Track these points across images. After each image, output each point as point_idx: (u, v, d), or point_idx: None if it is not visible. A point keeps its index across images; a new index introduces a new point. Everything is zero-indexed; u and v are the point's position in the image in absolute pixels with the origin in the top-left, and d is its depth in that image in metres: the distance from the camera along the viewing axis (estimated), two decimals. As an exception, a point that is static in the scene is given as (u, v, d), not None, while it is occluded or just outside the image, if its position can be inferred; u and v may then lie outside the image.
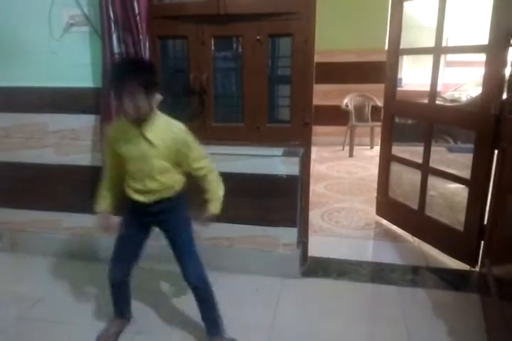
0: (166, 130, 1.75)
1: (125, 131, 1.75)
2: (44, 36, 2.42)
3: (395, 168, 3.23)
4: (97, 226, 1.96)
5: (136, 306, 2.22)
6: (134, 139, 1.74)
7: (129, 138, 1.75)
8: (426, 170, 2.85)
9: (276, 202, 2.45)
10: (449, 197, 3.34)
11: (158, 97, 1.74)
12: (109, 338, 2.04)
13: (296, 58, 2.32)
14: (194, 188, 1.85)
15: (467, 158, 2.60)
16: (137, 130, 1.73)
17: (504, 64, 2.29)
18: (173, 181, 1.85)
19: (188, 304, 2.16)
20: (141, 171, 1.78)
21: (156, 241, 2.00)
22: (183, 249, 1.93)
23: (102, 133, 2.31)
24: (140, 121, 1.71)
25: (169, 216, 1.90)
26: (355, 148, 5.62)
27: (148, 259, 2.37)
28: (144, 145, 1.74)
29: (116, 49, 2.24)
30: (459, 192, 2.99)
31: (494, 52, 2.31)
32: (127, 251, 1.97)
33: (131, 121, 1.72)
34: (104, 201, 1.91)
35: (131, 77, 1.65)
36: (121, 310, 2.11)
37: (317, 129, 3.78)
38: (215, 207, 1.86)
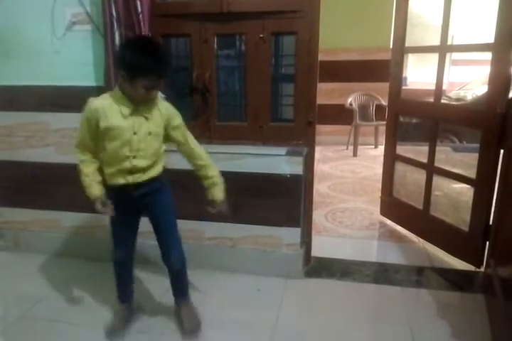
0: (156, 106, 1.82)
1: (119, 105, 1.76)
2: (46, 35, 2.42)
3: (400, 167, 3.20)
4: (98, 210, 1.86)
5: (139, 305, 2.23)
6: (128, 114, 1.76)
7: (122, 113, 1.76)
8: (431, 169, 2.82)
9: (280, 201, 2.43)
10: (454, 197, 3.31)
11: None
12: (120, 327, 2.07)
13: (299, 57, 2.30)
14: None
15: (473, 158, 2.58)
16: (132, 106, 1.76)
17: (510, 62, 2.26)
18: (160, 158, 1.88)
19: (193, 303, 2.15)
20: (128, 149, 1.78)
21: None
22: (168, 233, 1.99)
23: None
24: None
25: (153, 199, 1.92)
26: (360, 147, 5.61)
27: (152, 260, 2.38)
28: (137, 119, 1.77)
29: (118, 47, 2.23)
30: (464, 192, 2.97)
31: (500, 50, 2.29)
32: (124, 234, 2.02)
33: (132, 101, 1.76)
34: (97, 185, 1.86)
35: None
36: (126, 294, 2.15)
37: (321, 128, 3.78)
38: (220, 190, 1.92)
